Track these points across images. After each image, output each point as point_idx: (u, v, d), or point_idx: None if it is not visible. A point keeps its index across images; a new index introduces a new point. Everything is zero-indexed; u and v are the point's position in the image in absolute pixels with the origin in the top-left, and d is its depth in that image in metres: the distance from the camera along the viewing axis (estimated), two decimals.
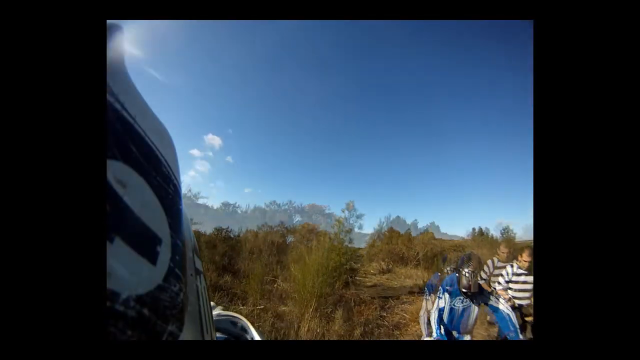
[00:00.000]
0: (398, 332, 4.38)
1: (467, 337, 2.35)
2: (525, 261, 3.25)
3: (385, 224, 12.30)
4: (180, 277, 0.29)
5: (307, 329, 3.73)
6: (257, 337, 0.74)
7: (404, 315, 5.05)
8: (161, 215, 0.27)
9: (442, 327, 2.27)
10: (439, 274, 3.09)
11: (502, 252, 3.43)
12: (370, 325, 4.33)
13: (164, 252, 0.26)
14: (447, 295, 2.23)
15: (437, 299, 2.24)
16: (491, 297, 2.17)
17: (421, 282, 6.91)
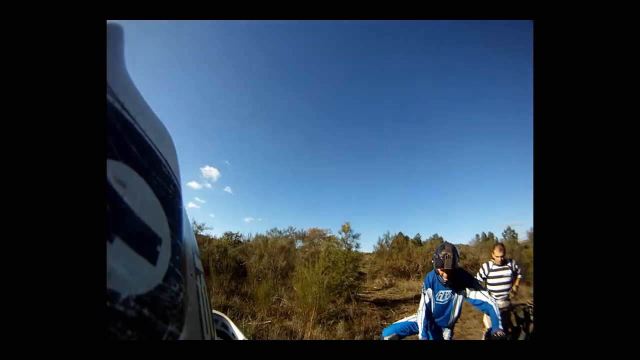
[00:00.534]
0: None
1: (448, 332, 2.37)
2: (497, 257, 3.41)
3: (384, 241, 12.47)
4: (180, 277, 0.29)
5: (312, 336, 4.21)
6: (238, 335, 0.74)
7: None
8: (161, 215, 0.27)
9: (429, 325, 2.29)
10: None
11: (497, 256, 3.50)
12: (370, 333, 4.67)
13: (164, 252, 0.26)
14: (430, 290, 2.25)
15: (422, 296, 2.25)
16: (469, 290, 2.19)
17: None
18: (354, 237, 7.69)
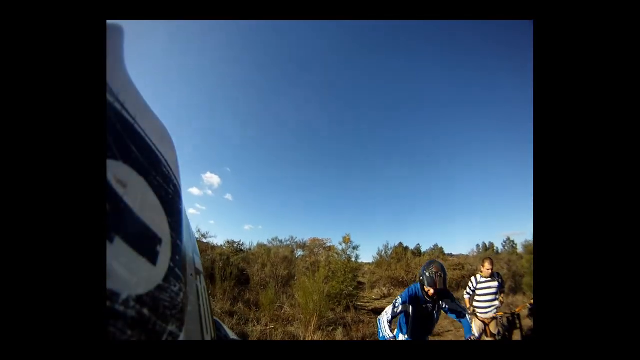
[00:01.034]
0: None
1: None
2: (487, 269, 3.53)
3: (384, 252, 12.55)
4: (180, 277, 0.29)
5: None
6: (231, 336, 0.74)
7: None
8: (161, 215, 0.27)
9: (404, 331, 2.28)
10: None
11: (487, 269, 3.59)
12: (367, 339, 4.92)
13: (164, 252, 0.26)
14: (410, 306, 2.21)
15: (392, 308, 2.22)
16: (446, 301, 2.23)
17: None
18: (354, 248, 7.97)
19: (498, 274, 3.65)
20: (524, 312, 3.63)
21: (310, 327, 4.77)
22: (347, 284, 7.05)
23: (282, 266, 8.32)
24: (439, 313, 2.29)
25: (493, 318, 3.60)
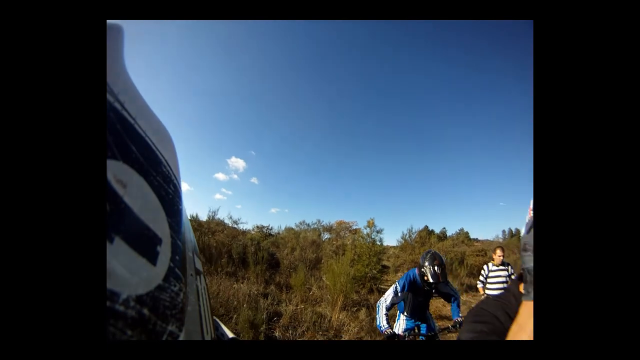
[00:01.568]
0: None
1: (424, 325, 2.54)
2: (498, 256, 3.66)
3: (407, 236, 12.49)
4: (180, 277, 0.29)
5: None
6: (228, 334, 0.74)
7: None
8: (161, 215, 0.27)
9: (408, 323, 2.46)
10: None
11: (499, 256, 3.69)
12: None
13: (164, 252, 0.26)
14: (409, 294, 2.35)
15: (392, 296, 2.30)
16: (447, 287, 2.38)
17: None
18: (377, 232, 8.31)
19: (508, 263, 3.75)
20: None
21: (336, 307, 5.20)
22: (372, 267, 7.35)
23: (310, 250, 8.58)
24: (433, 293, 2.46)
25: None
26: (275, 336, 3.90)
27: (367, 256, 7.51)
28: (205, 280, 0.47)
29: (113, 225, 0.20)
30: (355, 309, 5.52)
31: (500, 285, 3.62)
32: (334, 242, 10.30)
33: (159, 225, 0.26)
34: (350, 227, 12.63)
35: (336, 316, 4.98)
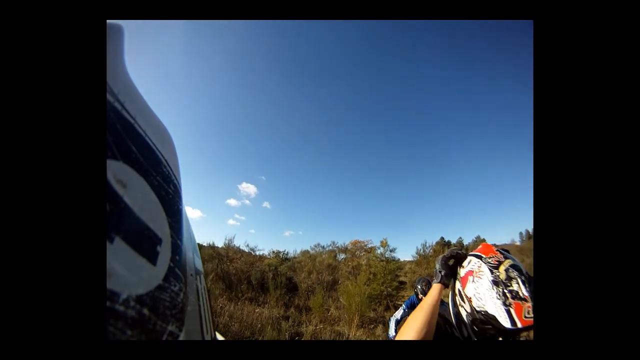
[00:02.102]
0: None
1: None
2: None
3: (422, 250, 12.58)
4: (180, 277, 0.29)
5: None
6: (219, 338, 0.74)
7: None
8: (161, 215, 0.27)
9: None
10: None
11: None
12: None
13: (164, 252, 0.26)
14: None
15: (402, 310, 2.53)
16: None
17: None
18: (391, 251, 8.86)
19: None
20: None
21: (352, 325, 5.62)
22: (387, 285, 7.81)
23: (327, 272, 9.06)
24: None
25: None
26: None
27: (382, 274, 7.87)
28: (205, 280, 0.47)
29: (113, 225, 0.20)
30: (372, 325, 5.89)
31: None
32: (350, 263, 10.54)
33: (159, 225, 0.26)
34: (365, 246, 12.75)
35: (353, 333, 5.36)
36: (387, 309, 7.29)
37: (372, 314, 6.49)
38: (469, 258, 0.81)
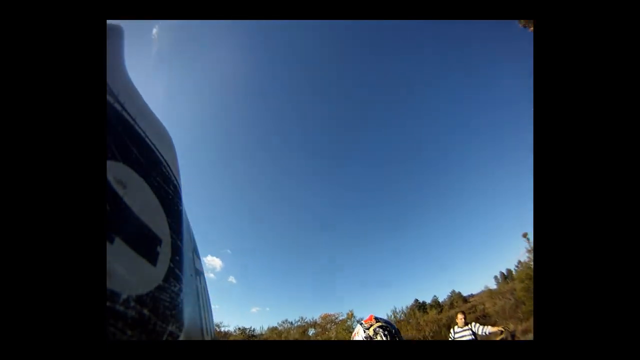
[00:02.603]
0: None
1: None
2: (461, 319, 4.28)
3: (392, 317, 12.45)
4: (180, 278, 0.29)
5: None
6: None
7: None
8: (161, 215, 0.27)
9: None
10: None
11: (460, 319, 4.27)
12: None
13: (164, 252, 0.26)
14: None
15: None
16: None
17: None
18: (357, 322, 8.84)
19: (471, 322, 4.42)
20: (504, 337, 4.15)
21: None
22: None
23: None
24: None
25: None
26: None
27: None
28: (205, 281, 0.47)
29: (113, 225, 0.20)
30: None
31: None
32: (319, 337, 10.53)
33: (159, 225, 0.26)
34: (336, 319, 12.71)
35: None
36: None
37: None
38: (357, 326, 1.27)
